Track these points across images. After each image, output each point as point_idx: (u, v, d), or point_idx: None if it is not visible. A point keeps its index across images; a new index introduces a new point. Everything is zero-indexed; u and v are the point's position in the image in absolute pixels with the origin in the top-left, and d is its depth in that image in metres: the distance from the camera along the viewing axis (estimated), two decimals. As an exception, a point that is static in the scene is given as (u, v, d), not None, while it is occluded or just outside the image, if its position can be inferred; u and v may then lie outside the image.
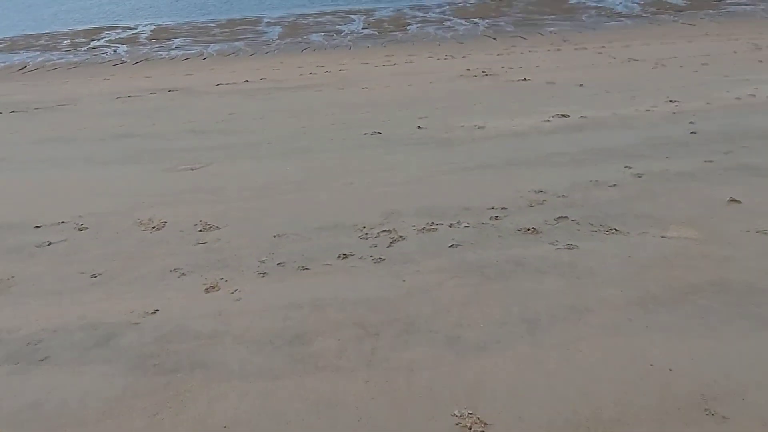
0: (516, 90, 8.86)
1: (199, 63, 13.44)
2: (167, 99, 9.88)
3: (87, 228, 4.54)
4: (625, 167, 5.12)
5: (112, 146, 7.20)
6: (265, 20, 17.84)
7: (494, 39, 13.73)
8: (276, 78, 11.00)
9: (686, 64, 9.93)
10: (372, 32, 15.39)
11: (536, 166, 5.34)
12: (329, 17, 17.63)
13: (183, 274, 3.67)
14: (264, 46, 14.69)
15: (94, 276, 3.73)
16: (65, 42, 16.44)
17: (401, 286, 3.32)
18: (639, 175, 4.90)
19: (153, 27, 17.77)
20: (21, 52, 15.63)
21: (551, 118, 7.06)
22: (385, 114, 7.85)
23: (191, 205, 4.89)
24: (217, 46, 14.95)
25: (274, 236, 4.15)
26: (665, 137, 6.01)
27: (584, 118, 7.00)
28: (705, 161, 5.17)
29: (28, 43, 16.63)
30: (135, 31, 17.44)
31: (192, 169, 5.99)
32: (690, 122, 6.50)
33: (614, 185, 4.71)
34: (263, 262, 3.77)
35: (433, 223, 4.16)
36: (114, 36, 16.86)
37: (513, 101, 8.13)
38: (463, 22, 15.80)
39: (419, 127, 7.03)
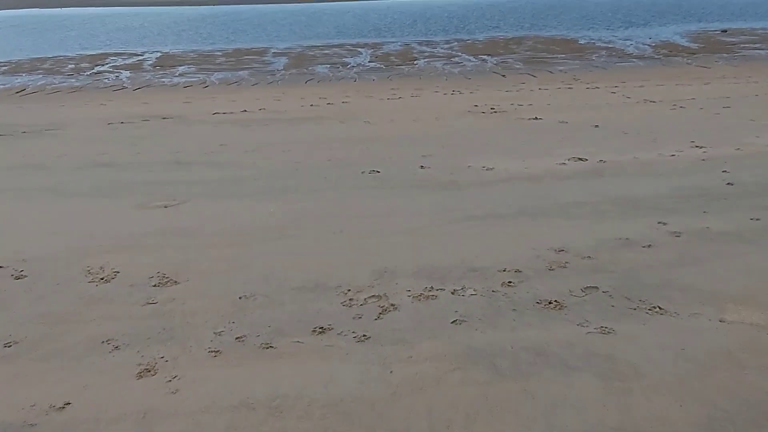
0: (527, 129, 8.16)
1: (200, 91, 12.90)
2: (159, 127, 9.25)
3: (25, 276, 3.78)
4: (658, 223, 4.33)
5: (87, 176, 6.49)
6: (272, 51, 17.43)
7: (503, 76, 13.16)
8: (276, 109, 10.38)
9: (706, 107, 9.24)
10: (378, 65, 14.89)
11: (554, 218, 4.57)
12: (336, 50, 17.21)
13: (116, 347, 2.88)
14: (268, 76, 14.18)
15: (7, 345, 2.94)
16: (69, 66, 16.03)
17: (388, 382, 2.51)
18: (676, 234, 4.11)
19: (159, 54, 17.39)
20: (24, 74, 15.20)
21: (567, 161, 6.32)
22: (386, 150, 7.14)
23: (153, 252, 4.13)
24: (220, 75, 14.46)
25: (240, 297, 3.37)
26: (698, 188, 5.24)
27: (603, 162, 6.25)
28: (750, 219, 4.39)
29: (33, 66, 16.24)
30: (141, 57, 17.05)
31: (165, 207, 5.25)
32: (723, 171, 5.74)
33: (648, 246, 3.92)
34: (219, 334, 2.98)
35: (432, 287, 3.38)
36: (119, 62, 16.45)
37: (524, 141, 7.42)
38: (471, 58, 15.29)
39: (422, 166, 6.30)
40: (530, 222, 4.47)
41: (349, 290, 3.40)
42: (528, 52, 15.71)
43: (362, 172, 6.15)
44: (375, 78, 13.60)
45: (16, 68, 15.99)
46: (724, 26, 18.99)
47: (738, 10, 22.69)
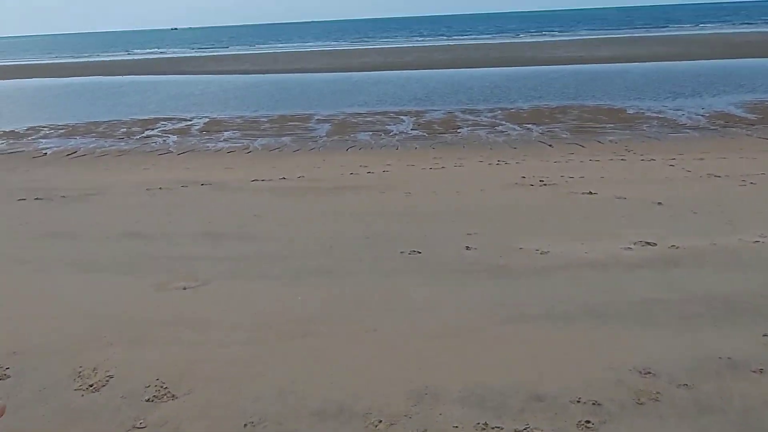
0: (581, 205, 7.42)
1: (242, 157, 12.80)
2: (197, 194, 8.98)
3: (8, 377, 3.24)
4: (764, 336, 3.47)
5: (113, 248, 6.11)
6: (316, 117, 17.49)
7: (550, 146, 12.55)
8: (315, 176, 10.02)
9: (781, 184, 8.31)
10: (421, 133, 14.59)
11: (629, 321, 3.77)
12: (379, 117, 17.11)
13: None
14: (310, 143, 14.05)
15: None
16: (121, 130, 16.44)
17: None
18: (792, 354, 3.25)
19: (207, 119, 17.72)
20: (78, 137, 15.63)
21: (632, 246, 5.52)
22: (428, 226, 6.53)
23: (158, 348, 3.55)
24: (263, 140, 14.45)
25: (246, 425, 2.69)
26: (801, 286, 4.36)
27: (676, 248, 5.43)
28: None
29: (88, 129, 16.76)
30: (189, 122, 17.40)
31: (184, 288, 4.73)
32: (827, 264, 4.84)
33: (759, 371, 3.06)
34: (213, 483, 2.30)
35: (486, 424, 2.62)
36: (168, 126, 16.80)
37: (580, 219, 6.68)
38: (516, 127, 14.82)
39: (468, 247, 5.63)
40: (601, 327, 3.68)
41: (380, 421, 2.68)
42: (574, 122, 15.13)
43: (401, 252, 5.52)
44: (417, 146, 13.23)
45: (71, 131, 16.52)
46: (782, 96, 18.03)
47: (792, 80, 21.67)
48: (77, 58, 58.16)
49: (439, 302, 4.21)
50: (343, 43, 64.86)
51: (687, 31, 58.32)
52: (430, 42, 59.84)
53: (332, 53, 47.68)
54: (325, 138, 14.59)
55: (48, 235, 6.72)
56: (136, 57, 55.06)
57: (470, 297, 4.30)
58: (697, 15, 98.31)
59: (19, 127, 17.62)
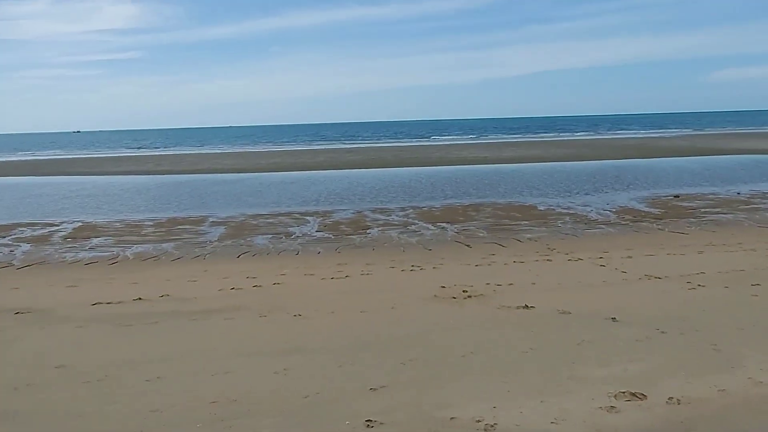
0: (520, 325, 5.54)
1: (102, 269, 10.01)
2: (2, 328, 6.15)
3: None
4: None
5: None
6: (211, 220, 15.08)
7: (467, 246, 10.99)
8: (184, 295, 7.53)
9: (730, 284, 7.02)
10: (326, 235, 12.62)
11: None
12: (282, 218, 15.05)
13: None
14: (196, 249, 11.55)
15: None
16: (-38, 239, 13.04)
17: None
18: None
19: (79, 224, 14.71)
20: None
21: (614, 402, 3.59)
22: (315, 374, 4.28)
23: None
24: (139, 248, 11.74)
25: None
26: None
27: (675, 402, 3.55)
28: None
29: None
30: (56, 227, 14.28)
31: None
32: None
33: None
34: None
35: None
36: (27, 233, 13.59)
37: (525, 351, 4.74)
38: (430, 226, 13.30)
39: (370, 422, 3.41)
40: None
41: None
42: (489, 219, 13.91)
43: (262, 439, 3.19)
44: (321, 250, 11.17)
45: None
46: (674, 191, 18.29)
47: (670, 178, 22.59)
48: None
49: None
50: (254, 145, 63.89)
51: (575, 136, 63.59)
52: (341, 144, 60.36)
53: (242, 154, 46.09)
54: (216, 243, 12.18)
55: None
56: (29, 158, 50.04)
57: None
58: (581, 124, 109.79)
59: None
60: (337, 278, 8.28)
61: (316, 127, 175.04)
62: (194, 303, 7.07)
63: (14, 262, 10.76)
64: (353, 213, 15.54)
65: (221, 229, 13.72)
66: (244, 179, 25.80)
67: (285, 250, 11.34)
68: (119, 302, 7.18)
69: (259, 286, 7.93)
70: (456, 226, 13.20)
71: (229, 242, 12.23)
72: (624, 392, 3.68)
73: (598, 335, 5.12)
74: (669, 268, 8.19)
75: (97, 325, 6.17)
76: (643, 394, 3.65)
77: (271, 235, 12.78)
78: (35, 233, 13.72)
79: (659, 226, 12.91)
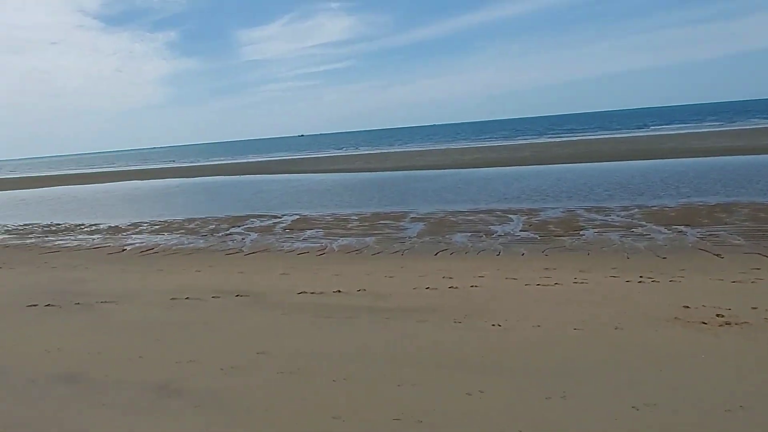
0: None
1: (311, 260, 10.81)
2: (219, 308, 6.92)
3: None
4: None
5: (31, 397, 4.03)
6: (411, 215, 15.35)
7: (718, 256, 8.91)
8: (380, 290, 7.54)
9: None
10: (531, 236, 11.65)
11: None
12: (484, 216, 14.50)
13: None
14: (395, 244, 11.76)
15: None
16: (209, 227, 15.62)
17: None
18: None
19: (297, 217, 16.42)
20: (166, 234, 15.01)
21: None
22: (514, 404, 3.61)
23: None
24: (344, 241, 12.47)
25: None
26: None
27: None
28: None
29: (180, 225, 16.22)
30: (279, 219, 16.19)
31: None
32: None
33: None
34: None
35: None
36: (256, 224, 15.68)
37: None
38: (662, 229, 11.27)
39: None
40: None
41: None
42: (746, 223, 11.19)
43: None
44: (525, 251, 10.29)
45: (164, 227, 16.08)
46: None
47: None
48: (206, 162, 64.06)
49: None
50: (455, 142, 64.50)
51: None
52: (548, 138, 57.04)
53: (443, 151, 46.85)
54: (415, 239, 12.23)
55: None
56: (258, 159, 59.01)
57: None
58: None
59: (125, 222, 17.74)
60: (544, 285, 7.38)
61: (516, 122, 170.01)
62: (389, 300, 6.98)
63: (243, 249, 12.36)
64: (563, 212, 14.16)
65: (420, 225, 13.80)
66: (444, 175, 26.01)
67: (485, 249, 10.76)
68: (321, 293, 7.50)
69: (455, 287, 7.51)
70: (699, 230, 10.93)
71: (428, 239, 12.17)
72: None
73: None
74: None
75: (300, 314, 6.46)
76: None
77: (470, 233, 12.34)
78: (263, 224, 15.70)
79: None
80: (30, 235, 16.25)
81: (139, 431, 3.61)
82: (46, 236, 15.88)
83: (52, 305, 7.44)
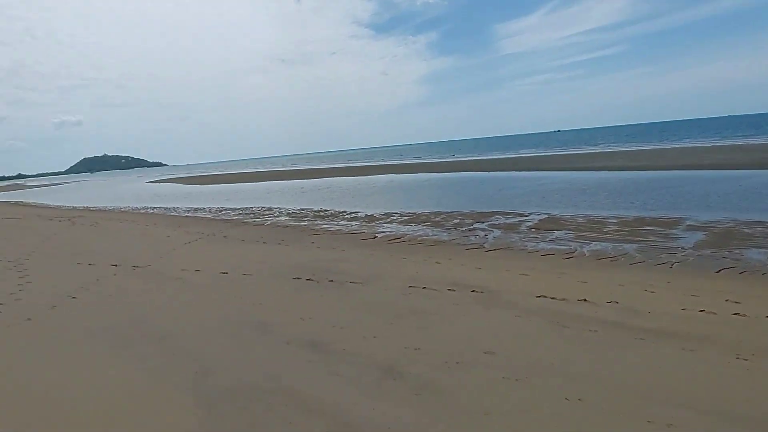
0: None
1: (556, 262, 10.06)
2: (454, 301, 6.93)
3: None
4: None
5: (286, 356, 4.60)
6: (687, 223, 13.03)
7: None
8: (635, 305, 6.53)
9: None
10: None
11: None
12: (793, 229, 11.38)
13: None
14: (662, 255, 10.11)
15: None
16: (454, 221, 16.01)
17: None
18: None
19: (545, 216, 15.58)
20: (413, 225, 15.96)
21: None
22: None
23: None
24: (598, 246, 11.28)
25: None
26: None
27: None
28: None
29: (427, 218, 17.06)
30: (525, 218, 15.63)
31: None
32: None
33: None
34: None
35: None
36: (500, 221, 15.44)
37: None
38: None
39: None
40: None
41: None
42: None
43: None
44: None
45: (412, 219, 17.14)
46: None
47: None
48: (467, 157, 65.91)
49: None
50: (756, 137, 52.58)
51: None
52: None
53: (733, 148, 38.69)
54: (690, 251, 10.35)
55: (109, 329, 5.81)
56: (510, 155, 58.23)
57: None
58: None
59: (378, 212, 19.57)
60: None
61: None
62: (645, 318, 5.95)
63: (485, 245, 12.28)
64: None
65: (699, 235, 11.60)
66: (734, 177, 21.47)
67: (793, 272, 8.38)
68: (563, 299, 6.87)
69: (743, 315, 6.00)
70: None
71: (708, 252, 10.13)
72: None
73: None
74: None
75: (535, 318, 5.99)
76: None
77: (771, 250, 9.80)
78: (507, 221, 15.41)
79: None
80: (304, 219, 19.24)
81: (361, 405, 3.74)
82: (316, 220, 18.58)
83: (311, 280, 8.54)
